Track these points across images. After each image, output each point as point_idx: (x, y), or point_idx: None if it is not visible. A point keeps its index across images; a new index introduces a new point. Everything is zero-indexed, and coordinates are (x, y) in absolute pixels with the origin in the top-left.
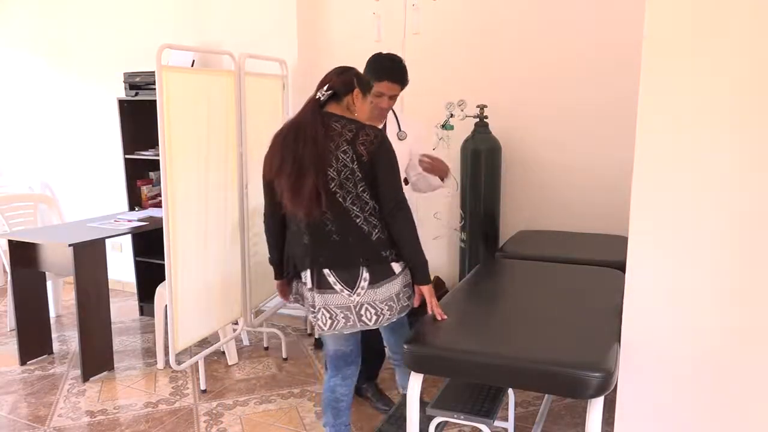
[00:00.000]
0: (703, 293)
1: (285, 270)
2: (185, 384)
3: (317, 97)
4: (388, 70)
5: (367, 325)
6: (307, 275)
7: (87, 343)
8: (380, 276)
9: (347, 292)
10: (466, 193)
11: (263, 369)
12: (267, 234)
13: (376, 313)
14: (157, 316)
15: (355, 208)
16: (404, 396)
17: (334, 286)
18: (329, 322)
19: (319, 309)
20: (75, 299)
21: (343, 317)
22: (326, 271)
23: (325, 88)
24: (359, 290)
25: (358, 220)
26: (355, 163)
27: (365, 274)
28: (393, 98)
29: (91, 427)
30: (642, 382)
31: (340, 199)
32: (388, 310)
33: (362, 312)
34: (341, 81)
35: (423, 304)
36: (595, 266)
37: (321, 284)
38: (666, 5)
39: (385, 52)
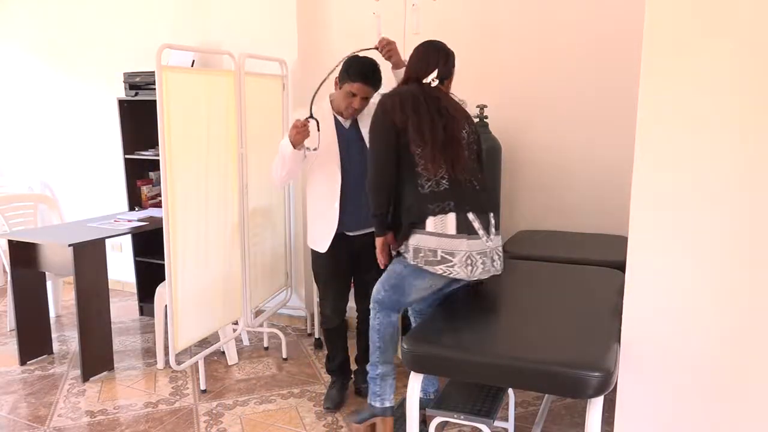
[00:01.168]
0: (703, 293)
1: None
2: (185, 384)
3: (429, 82)
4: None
5: (497, 270)
6: (447, 220)
7: (87, 343)
8: (497, 226)
9: (485, 237)
10: None
11: (263, 369)
12: (381, 183)
13: (500, 259)
14: (157, 316)
15: (476, 166)
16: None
17: (478, 231)
18: (469, 269)
19: (466, 255)
20: (75, 299)
21: (481, 263)
22: (471, 216)
23: (435, 74)
24: (491, 235)
25: (479, 175)
26: (474, 134)
27: (493, 220)
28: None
29: (91, 427)
30: (642, 382)
31: (471, 156)
32: (499, 259)
33: (494, 257)
34: (447, 70)
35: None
36: (595, 266)
37: (468, 229)
38: (666, 5)
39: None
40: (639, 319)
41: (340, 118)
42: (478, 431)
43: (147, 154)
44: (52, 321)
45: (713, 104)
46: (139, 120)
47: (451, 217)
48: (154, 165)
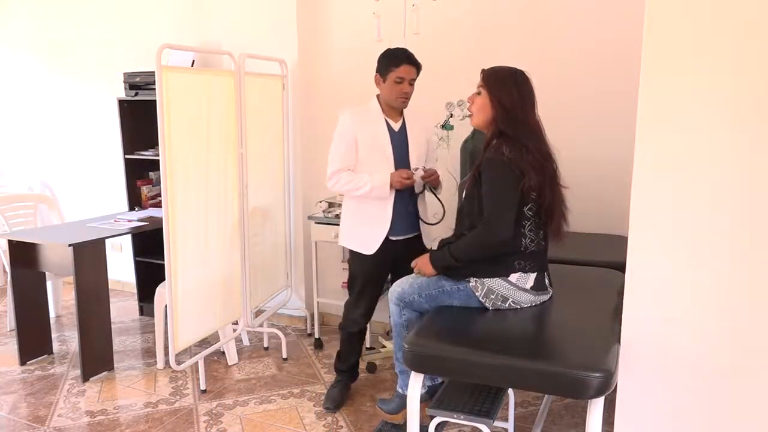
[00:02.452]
0: (702, 294)
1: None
2: (185, 384)
3: (535, 120)
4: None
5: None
6: (529, 278)
7: (87, 343)
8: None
9: (550, 291)
10: None
11: (263, 369)
12: (494, 246)
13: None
14: (157, 316)
15: None
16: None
17: (547, 288)
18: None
19: (532, 305)
20: (75, 299)
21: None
22: (545, 274)
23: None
24: (550, 289)
25: None
26: None
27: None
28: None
29: (91, 427)
30: (642, 382)
31: None
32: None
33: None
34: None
35: None
36: (595, 266)
37: (540, 286)
38: (666, 5)
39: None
40: (639, 320)
41: (389, 120)
42: (478, 431)
43: (147, 154)
44: (52, 321)
45: (713, 104)
46: (139, 120)
47: (532, 276)
48: (154, 165)
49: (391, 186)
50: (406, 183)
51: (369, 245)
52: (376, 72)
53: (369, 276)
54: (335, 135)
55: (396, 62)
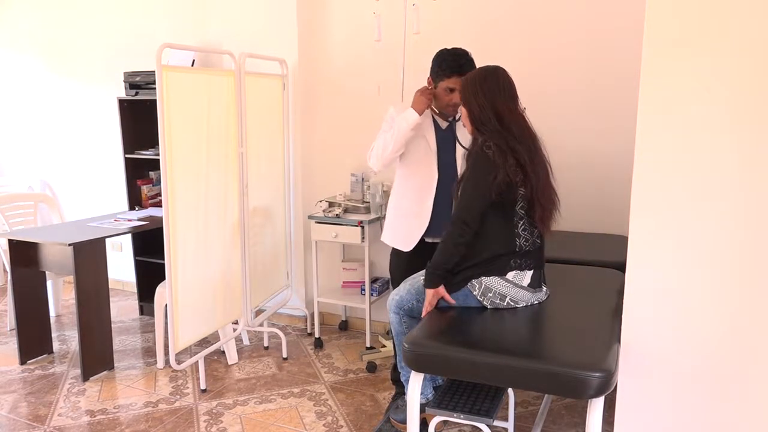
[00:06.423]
0: (703, 293)
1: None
2: (185, 383)
3: (521, 114)
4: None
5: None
6: (525, 276)
7: (87, 342)
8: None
9: (546, 289)
10: None
11: (263, 368)
12: (465, 239)
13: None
14: (157, 315)
15: None
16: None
17: (542, 286)
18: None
19: (529, 303)
20: (75, 299)
21: (532, 305)
22: (541, 272)
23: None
24: (545, 287)
25: None
26: None
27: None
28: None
29: (91, 426)
30: (642, 382)
31: None
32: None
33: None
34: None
35: None
36: (595, 266)
37: (537, 283)
38: (666, 5)
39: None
40: (639, 319)
41: (437, 118)
42: (478, 431)
43: (147, 154)
44: (52, 320)
45: (713, 104)
46: (139, 119)
47: (529, 274)
48: (154, 164)
49: (419, 109)
50: (425, 93)
51: (407, 241)
52: (430, 72)
53: (403, 277)
54: (383, 123)
55: (447, 72)
